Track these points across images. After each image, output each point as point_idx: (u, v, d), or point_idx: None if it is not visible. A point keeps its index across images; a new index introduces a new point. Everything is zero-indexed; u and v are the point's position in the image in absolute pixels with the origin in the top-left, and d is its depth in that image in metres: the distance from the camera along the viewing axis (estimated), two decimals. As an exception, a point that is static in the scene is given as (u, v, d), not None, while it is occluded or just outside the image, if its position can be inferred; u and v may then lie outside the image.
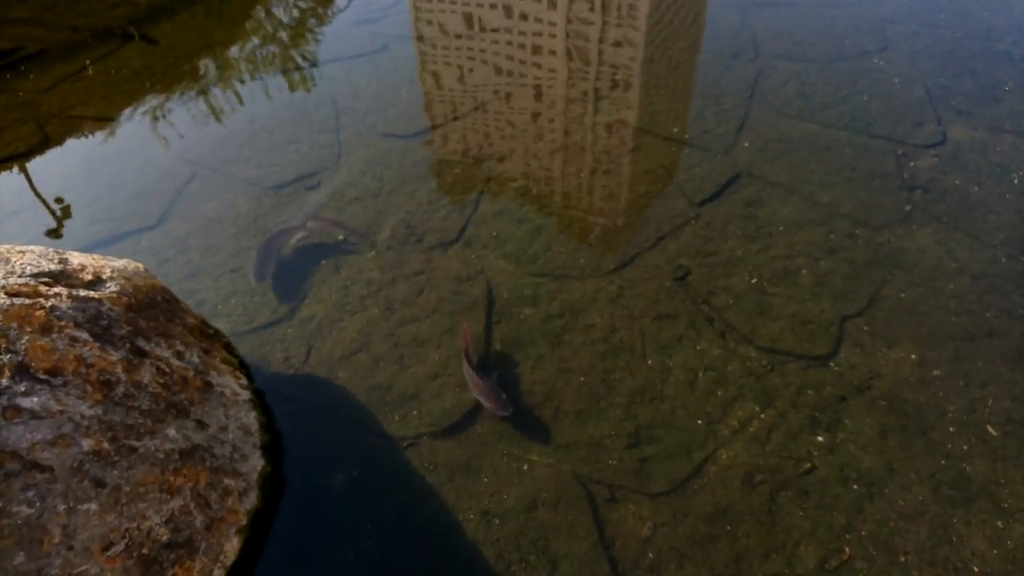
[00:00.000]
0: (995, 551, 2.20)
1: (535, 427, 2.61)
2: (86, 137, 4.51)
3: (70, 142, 4.46)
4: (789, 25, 5.29)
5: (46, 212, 3.87)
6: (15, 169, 4.23)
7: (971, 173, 3.72)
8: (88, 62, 5.20)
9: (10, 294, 1.98)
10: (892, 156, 3.87)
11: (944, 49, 4.88)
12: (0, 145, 4.41)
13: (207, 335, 2.68)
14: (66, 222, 3.78)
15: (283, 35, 5.82)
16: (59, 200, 3.95)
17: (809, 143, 4.00)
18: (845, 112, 4.25)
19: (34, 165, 4.26)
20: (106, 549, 1.75)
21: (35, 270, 2.15)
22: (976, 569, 2.16)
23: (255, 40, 5.72)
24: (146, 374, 2.10)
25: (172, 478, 1.98)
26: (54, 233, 3.69)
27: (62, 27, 5.82)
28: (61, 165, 4.26)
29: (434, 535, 2.31)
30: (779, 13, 5.49)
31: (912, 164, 3.80)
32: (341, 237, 3.49)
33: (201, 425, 2.19)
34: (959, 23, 5.23)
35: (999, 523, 2.27)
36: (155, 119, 4.63)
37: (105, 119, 4.65)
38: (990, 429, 2.53)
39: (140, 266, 2.56)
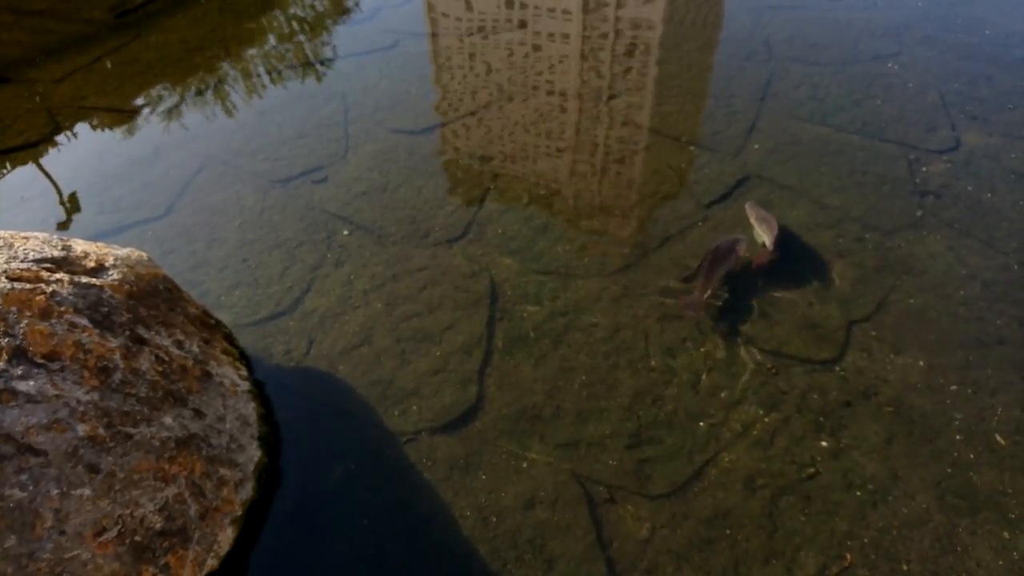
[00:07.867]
0: (1000, 562, 2.15)
1: (535, 425, 2.59)
2: (97, 128, 4.53)
3: (81, 132, 4.49)
4: (803, 28, 5.25)
5: (54, 201, 3.89)
6: (26, 158, 4.26)
7: (984, 179, 3.66)
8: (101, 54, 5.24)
9: (11, 278, 1.98)
10: (904, 161, 3.82)
11: (960, 54, 4.82)
12: (12, 134, 4.44)
13: (208, 325, 2.67)
14: (74, 211, 3.80)
15: (295, 30, 5.83)
16: (68, 189, 3.97)
17: (820, 146, 3.96)
18: (857, 116, 4.20)
19: (45, 154, 4.29)
20: (98, 535, 1.74)
21: (38, 256, 2.15)
22: (981, 580, 2.12)
23: (267, 35, 5.73)
24: (144, 362, 2.09)
25: (167, 466, 1.97)
26: (62, 223, 3.71)
27: (77, 19, 5.87)
28: (71, 155, 4.29)
29: (430, 531, 2.29)
30: (793, 16, 5.44)
31: (924, 169, 3.75)
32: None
33: (198, 414, 2.18)
34: (975, 28, 5.16)
35: (1005, 534, 2.22)
36: (166, 111, 4.65)
37: (116, 110, 4.67)
38: (998, 438, 2.49)
39: (143, 255, 2.56)
